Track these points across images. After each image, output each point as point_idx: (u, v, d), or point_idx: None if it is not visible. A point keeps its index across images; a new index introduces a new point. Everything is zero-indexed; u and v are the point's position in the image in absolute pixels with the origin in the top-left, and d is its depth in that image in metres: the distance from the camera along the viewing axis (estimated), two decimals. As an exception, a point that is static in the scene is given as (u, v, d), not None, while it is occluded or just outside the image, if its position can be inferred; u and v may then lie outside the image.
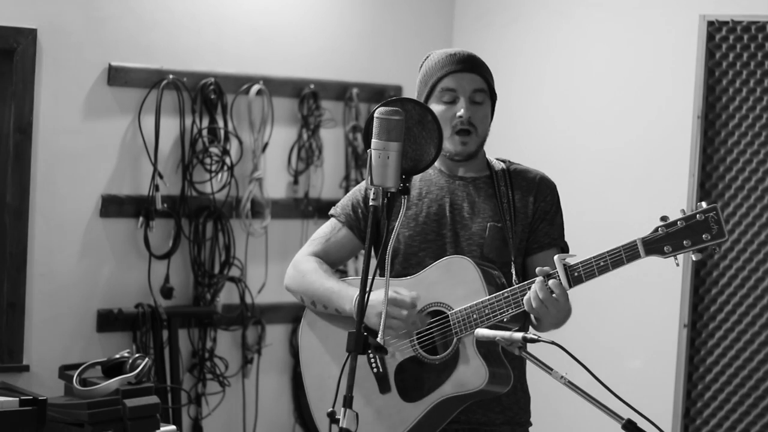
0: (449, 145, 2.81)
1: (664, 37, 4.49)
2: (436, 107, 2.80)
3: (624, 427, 2.30)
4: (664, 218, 2.56)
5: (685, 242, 2.54)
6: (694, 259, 2.57)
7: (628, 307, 4.50)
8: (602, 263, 2.59)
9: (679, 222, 2.54)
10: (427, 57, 2.89)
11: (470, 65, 2.83)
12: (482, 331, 2.55)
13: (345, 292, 2.79)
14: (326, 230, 2.95)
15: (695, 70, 3.99)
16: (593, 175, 4.67)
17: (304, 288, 2.89)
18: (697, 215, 2.53)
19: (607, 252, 2.59)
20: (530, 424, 2.92)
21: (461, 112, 2.79)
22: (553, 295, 2.61)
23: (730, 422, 3.95)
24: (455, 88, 2.81)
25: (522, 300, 2.66)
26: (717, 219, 2.52)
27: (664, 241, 2.55)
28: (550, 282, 2.61)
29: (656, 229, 2.56)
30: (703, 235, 2.53)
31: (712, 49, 3.96)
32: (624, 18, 4.64)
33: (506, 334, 2.48)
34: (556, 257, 2.62)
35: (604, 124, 4.70)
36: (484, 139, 2.87)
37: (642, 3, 4.59)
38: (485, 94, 2.84)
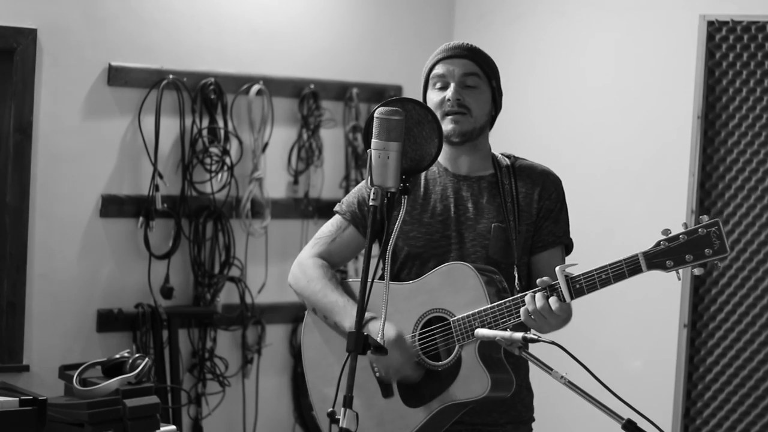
0: (443, 127, 2.79)
1: (664, 37, 4.49)
2: (431, 94, 2.83)
3: (624, 427, 2.30)
4: (665, 231, 2.55)
5: (687, 257, 2.53)
6: (696, 273, 2.56)
7: (628, 307, 4.50)
8: (604, 276, 2.58)
9: (680, 236, 2.53)
10: None
11: (461, 51, 2.83)
12: (482, 331, 2.55)
13: (347, 310, 2.77)
14: (331, 228, 2.93)
15: (695, 70, 3.99)
16: (593, 175, 4.67)
17: (307, 294, 2.88)
18: (699, 229, 2.52)
19: (609, 265, 2.58)
20: (533, 420, 2.92)
21: (449, 94, 2.79)
22: (554, 309, 2.61)
23: (730, 422, 3.94)
24: (445, 73, 2.82)
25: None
26: (719, 234, 2.51)
27: (665, 255, 2.54)
28: (550, 300, 2.61)
29: (658, 243, 2.55)
30: (705, 250, 2.51)
31: (712, 49, 3.96)
32: (624, 18, 4.64)
33: (506, 334, 2.49)
34: (557, 268, 2.61)
35: (603, 123, 4.70)
36: (483, 124, 2.84)
37: (642, 3, 4.58)
38: (478, 78, 2.82)
